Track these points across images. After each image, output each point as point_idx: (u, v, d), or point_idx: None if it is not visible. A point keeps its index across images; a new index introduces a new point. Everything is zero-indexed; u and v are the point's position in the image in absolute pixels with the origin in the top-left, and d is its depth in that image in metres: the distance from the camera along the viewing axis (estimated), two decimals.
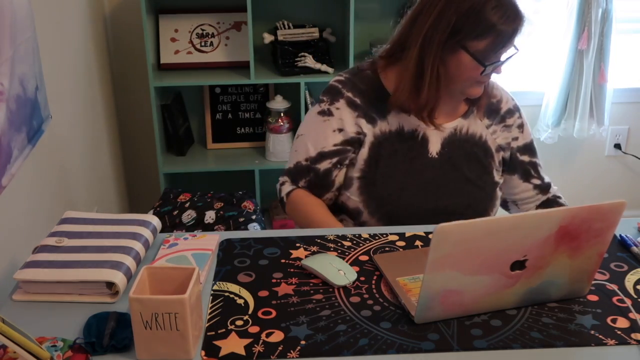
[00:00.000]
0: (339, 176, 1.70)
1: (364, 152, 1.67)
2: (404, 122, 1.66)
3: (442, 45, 1.54)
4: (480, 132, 1.70)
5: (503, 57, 1.57)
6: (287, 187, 1.74)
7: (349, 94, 1.67)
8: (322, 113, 1.69)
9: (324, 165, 1.68)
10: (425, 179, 1.66)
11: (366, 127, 1.66)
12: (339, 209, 1.75)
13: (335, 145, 1.67)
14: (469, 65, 1.55)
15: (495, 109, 1.73)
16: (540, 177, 1.78)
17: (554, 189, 1.80)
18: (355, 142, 1.67)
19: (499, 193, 1.74)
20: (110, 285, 1.28)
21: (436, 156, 1.67)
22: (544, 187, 1.78)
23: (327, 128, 1.67)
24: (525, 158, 1.76)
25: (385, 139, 1.66)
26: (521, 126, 1.76)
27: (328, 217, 1.68)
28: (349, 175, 1.69)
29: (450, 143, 1.67)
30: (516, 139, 1.74)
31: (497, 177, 1.73)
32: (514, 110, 1.75)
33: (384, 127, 1.66)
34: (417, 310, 1.18)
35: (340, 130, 1.67)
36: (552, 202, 1.79)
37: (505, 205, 1.83)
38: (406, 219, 1.63)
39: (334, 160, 1.68)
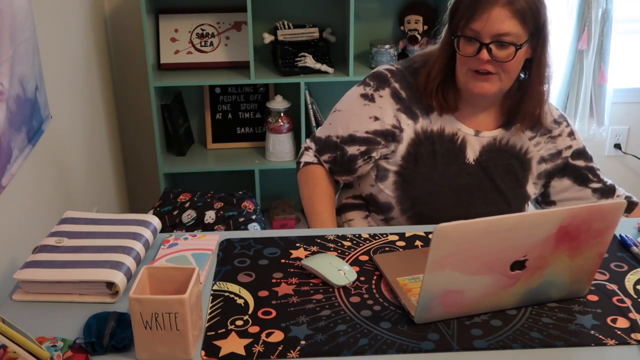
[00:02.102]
0: (362, 167, 1.69)
1: (402, 148, 1.65)
2: (446, 124, 1.65)
3: (447, 35, 1.58)
4: (521, 144, 1.67)
5: (493, 43, 1.51)
6: (309, 156, 1.74)
7: (396, 85, 1.66)
8: (365, 97, 1.67)
9: (352, 150, 1.67)
10: (460, 184, 1.65)
11: (405, 123, 1.64)
12: (367, 203, 1.74)
13: (367, 132, 1.65)
14: (460, 54, 1.55)
15: (539, 121, 1.66)
16: (600, 181, 1.72)
17: (621, 190, 1.74)
18: (389, 135, 1.65)
19: (527, 208, 1.72)
20: (110, 285, 1.28)
21: (472, 163, 1.65)
22: (606, 190, 1.72)
23: (365, 113, 1.65)
24: (580, 163, 1.71)
25: (426, 138, 1.64)
26: (572, 134, 1.71)
27: (327, 214, 1.67)
28: (385, 167, 1.67)
29: (488, 151, 1.66)
30: (569, 147, 1.70)
31: (532, 190, 1.70)
32: (559, 121, 1.71)
33: (426, 125, 1.65)
34: (417, 310, 1.18)
35: (377, 119, 1.65)
36: (607, 190, 1.72)
37: None
38: (435, 222, 1.60)
39: (363, 148, 1.66)
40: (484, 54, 1.50)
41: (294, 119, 2.82)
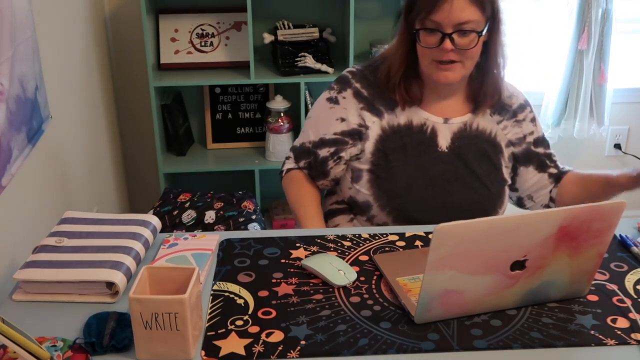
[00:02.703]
0: (334, 169, 1.73)
1: (369, 146, 1.67)
2: (413, 116, 1.67)
3: (406, 24, 1.61)
4: (490, 128, 1.70)
5: (455, 32, 1.53)
6: (289, 164, 1.79)
7: (357, 85, 1.70)
8: (330, 100, 1.72)
9: (323, 152, 1.71)
10: (435, 173, 1.66)
11: (370, 120, 1.67)
12: (349, 206, 1.75)
13: (335, 134, 1.69)
14: (420, 46, 1.57)
15: (506, 105, 1.72)
16: (557, 167, 1.77)
17: (565, 167, 1.78)
18: (356, 134, 1.68)
19: (506, 191, 1.74)
20: (110, 285, 1.28)
21: (446, 150, 1.67)
22: (559, 175, 1.77)
23: (331, 116, 1.70)
24: (541, 150, 1.75)
25: (394, 132, 1.67)
26: (534, 120, 1.75)
27: (314, 215, 1.71)
28: (358, 168, 1.70)
29: (460, 138, 1.67)
30: (532, 133, 1.74)
31: (506, 174, 1.73)
32: (525, 105, 1.75)
33: (392, 120, 1.67)
34: (417, 310, 1.18)
35: (343, 120, 1.69)
36: (560, 175, 1.76)
37: (521, 203, 1.81)
38: (415, 213, 1.64)
39: (332, 149, 1.70)
40: (447, 44, 1.53)
41: (294, 119, 2.82)
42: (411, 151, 1.66)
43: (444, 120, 1.67)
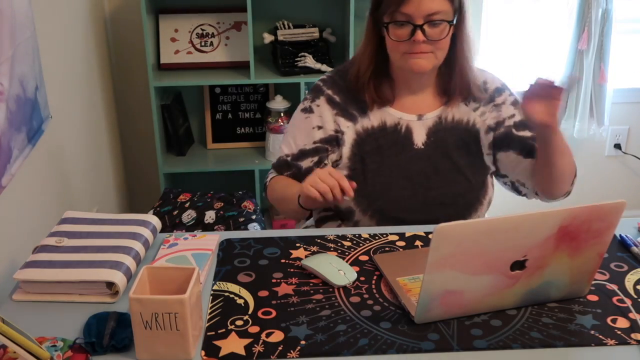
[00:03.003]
0: None
1: (346, 151, 1.67)
2: (386, 117, 1.66)
3: (373, 21, 1.60)
4: (467, 117, 1.67)
5: (424, 23, 1.53)
6: (271, 176, 1.77)
7: (329, 92, 1.69)
8: (304, 110, 1.71)
9: (306, 163, 1.69)
10: (413, 171, 1.65)
11: (345, 125, 1.67)
12: (336, 213, 1.74)
13: (315, 142, 1.68)
14: (390, 40, 1.56)
15: (481, 91, 1.69)
16: None
17: None
18: (334, 141, 1.68)
19: (490, 180, 1.73)
20: (110, 285, 1.28)
21: (422, 147, 1.66)
22: None
23: (308, 125, 1.69)
24: (526, 133, 1.67)
25: (368, 135, 1.66)
26: (516, 103, 1.69)
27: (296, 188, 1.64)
28: None
29: (435, 132, 1.66)
30: (512, 116, 1.68)
31: (489, 161, 1.70)
32: (502, 89, 1.71)
33: (366, 124, 1.66)
34: (417, 310, 1.18)
35: (320, 127, 1.68)
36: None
37: (515, 188, 1.73)
38: (398, 213, 1.63)
39: (315, 158, 1.69)
40: (419, 35, 1.52)
41: None
42: (387, 152, 1.65)
43: (418, 117, 1.66)
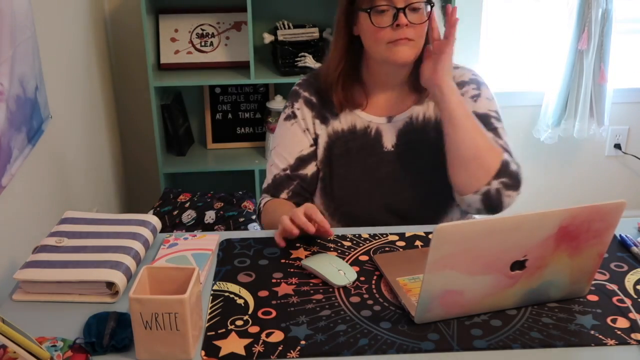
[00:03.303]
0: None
1: (319, 154, 1.65)
2: (356, 119, 1.64)
3: (345, 18, 1.57)
4: (436, 114, 1.62)
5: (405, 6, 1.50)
6: (265, 200, 1.67)
7: (305, 94, 1.66)
8: (288, 118, 1.67)
9: (310, 169, 1.65)
10: (381, 174, 1.63)
11: (320, 128, 1.64)
12: None
13: (311, 145, 1.65)
14: (369, 26, 1.52)
15: None
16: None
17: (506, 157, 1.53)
18: (315, 142, 1.66)
19: None
20: (110, 285, 1.28)
21: (392, 149, 1.63)
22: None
23: (297, 131, 1.65)
24: None
25: (338, 138, 1.64)
26: (476, 97, 1.62)
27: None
28: None
29: (406, 133, 1.63)
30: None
31: None
32: (468, 82, 1.64)
33: (337, 126, 1.64)
34: (417, 310, 1.18)
35: (307, 129, 1.65)
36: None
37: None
38: (366, 216, 1.61)
39: (316, 161, 1.65)
40: (402, 18, 1.49)
41: None
42: (355, 155, 1.63)
43: (387, 119, 1.63)
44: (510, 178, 1.51)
